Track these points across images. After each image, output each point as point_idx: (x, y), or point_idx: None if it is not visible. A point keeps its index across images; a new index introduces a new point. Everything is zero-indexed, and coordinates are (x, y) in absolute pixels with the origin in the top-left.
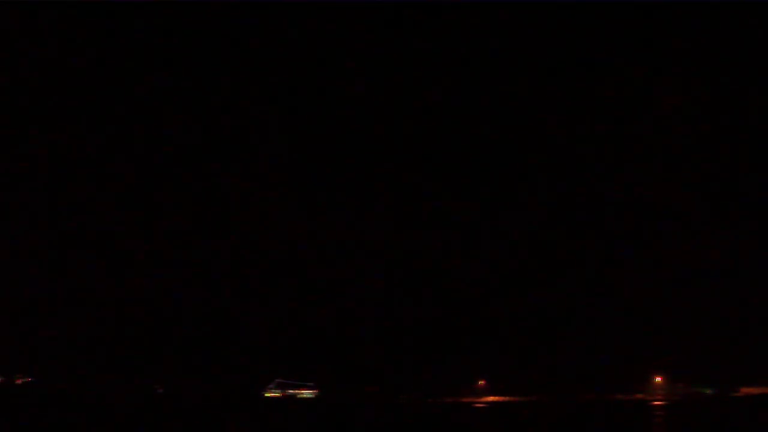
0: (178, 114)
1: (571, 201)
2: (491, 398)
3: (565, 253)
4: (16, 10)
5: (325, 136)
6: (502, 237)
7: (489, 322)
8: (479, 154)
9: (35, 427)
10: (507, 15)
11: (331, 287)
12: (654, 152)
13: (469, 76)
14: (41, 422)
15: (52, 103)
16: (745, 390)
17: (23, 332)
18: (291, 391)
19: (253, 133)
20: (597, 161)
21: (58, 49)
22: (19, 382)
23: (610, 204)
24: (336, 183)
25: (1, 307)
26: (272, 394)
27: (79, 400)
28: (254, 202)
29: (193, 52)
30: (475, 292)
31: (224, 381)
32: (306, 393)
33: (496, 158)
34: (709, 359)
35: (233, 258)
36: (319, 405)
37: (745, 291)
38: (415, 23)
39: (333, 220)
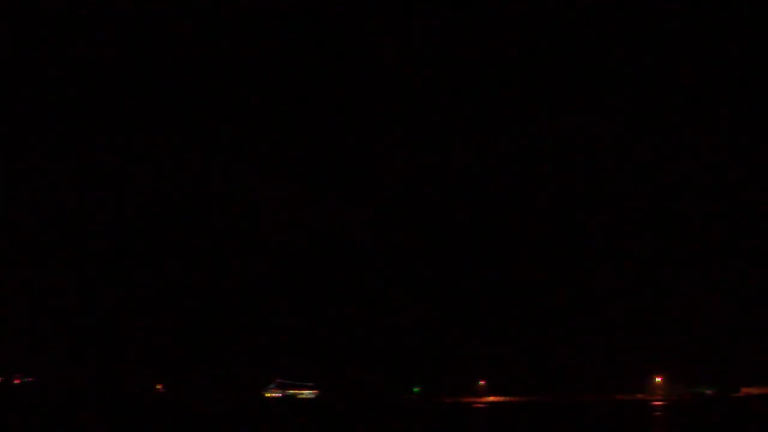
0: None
1: (572, 202)
2: (491, 398)
3: (566, 254)
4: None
5: (331, 133)
6: (503, 237)
7: (489, 323)
8: (479, 154)
9: (35, 427)
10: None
11: (332, 287)
12: (656, 153)
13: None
14: (41, 422)
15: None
16: (745, 390)
17: (23, 332)
18: (291, 391)
19: (258, 132)
20: (601, 161)
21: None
22: (17, 382)
23: (610, 205)
24: (337, 182)
25: (1, 307)
26: (272, 394)
27: (79, 400)
28: (255, 202)
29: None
30: (475, 292)
31: (224, 381)
32: (306, 393)
33: (496, 158)
34: (709, 359)
35: (234, 258)
36: (319, 405)
37: (745, 291)
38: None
39: (334, 220)
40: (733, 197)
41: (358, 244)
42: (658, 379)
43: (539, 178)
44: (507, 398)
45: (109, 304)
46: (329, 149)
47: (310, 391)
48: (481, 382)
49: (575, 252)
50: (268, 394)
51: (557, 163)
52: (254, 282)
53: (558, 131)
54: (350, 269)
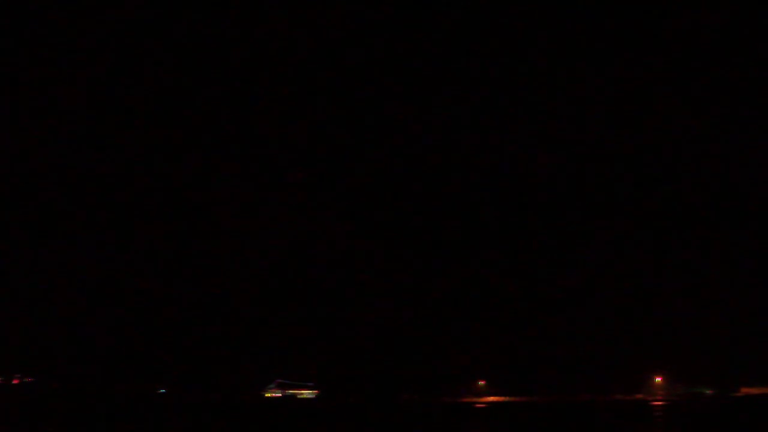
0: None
1: (572, 201)
2: (491, 398)
3: (565, 253)
4: None
5: (329, 135)
6: (502, 237)
7: (489, 323)
8: (479, 153)
9: (34, 428)
10: None
11: (331, 287)
12: (654, 149)
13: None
14: (40, 422)
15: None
16: (745, 390)
17: (22, 332)
18: (291, 391)
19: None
20: (598, 160)
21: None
22: (16, 382)
23: (610, 203)
24: (335, 183)
25: (0, 306)
26: (272, 394)
27: (79, 400)
28: (255, 203)
29: None
30: (475, 292)
31: (224, 381)
32: (306, 393)
33: (496, 158)
34: (709, 359)
35: (234, 258)
36: (319, 405)
37: (745, 291)
38: None
39: (333, 220)
40: (734, 197)
41: (359, 244)
42: (658, 379)
43: (539, 177)
44: (507, 398)
45: (109, 304)
46: (321, 148)
47: (310, 391)
48: (481, 382)
49: (575, 251)
50: (268, 394)
51: (556, 161)
52: (253, 281)
53: (558, 129)
54: (350, 269)
